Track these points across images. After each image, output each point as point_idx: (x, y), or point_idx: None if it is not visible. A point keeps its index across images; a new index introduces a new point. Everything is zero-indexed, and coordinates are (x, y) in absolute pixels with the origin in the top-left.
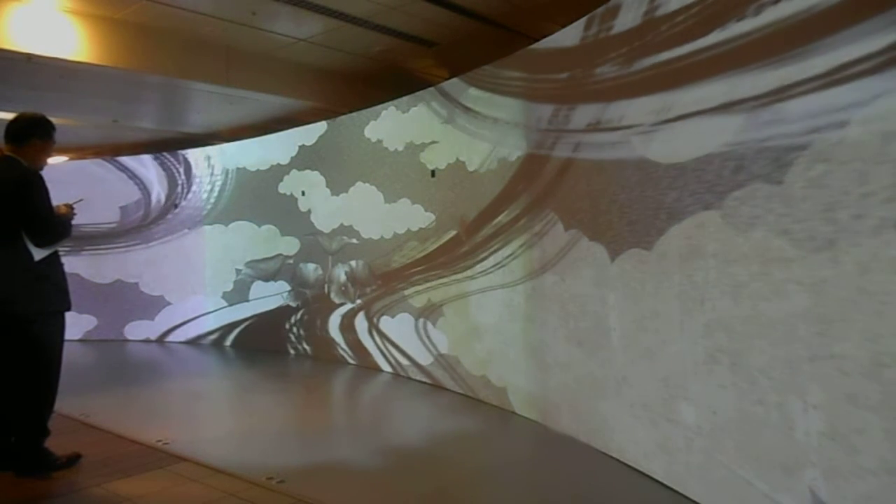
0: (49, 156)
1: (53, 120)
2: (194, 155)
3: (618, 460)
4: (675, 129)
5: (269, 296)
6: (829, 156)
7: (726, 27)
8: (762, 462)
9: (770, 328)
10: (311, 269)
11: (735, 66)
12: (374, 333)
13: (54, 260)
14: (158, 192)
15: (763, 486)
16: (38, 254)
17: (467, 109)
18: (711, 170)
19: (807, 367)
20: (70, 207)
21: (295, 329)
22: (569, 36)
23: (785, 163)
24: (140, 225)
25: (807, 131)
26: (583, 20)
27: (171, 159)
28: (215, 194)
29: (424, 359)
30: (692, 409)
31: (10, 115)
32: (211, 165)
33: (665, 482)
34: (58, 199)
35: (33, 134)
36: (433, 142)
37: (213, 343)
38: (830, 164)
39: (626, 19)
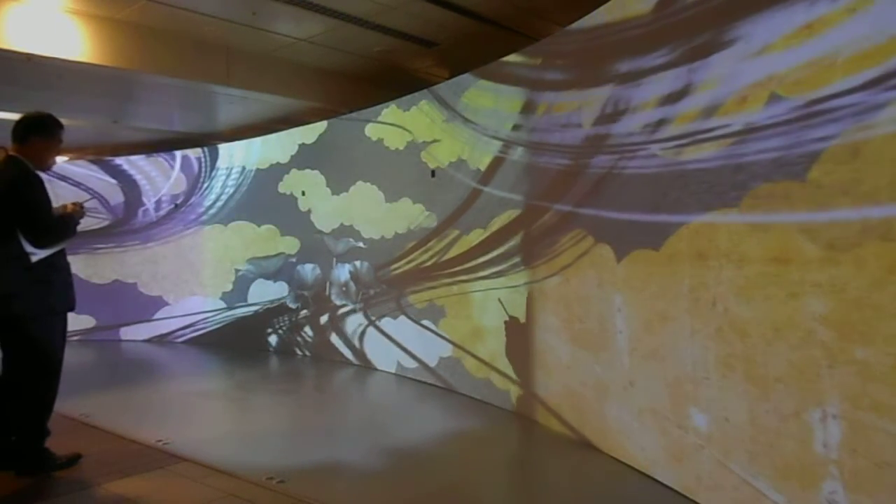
0: (54, 155)
1: None
2: (193, 155)
3: (625, 464)
4: (683, 123)
5: (268, 298)
6: (855, 153)
7: None
8: (777, 473)
9: (786, 332)
10: (308, 270)
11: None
12: (375, 334)
13: (58, 260)
14: (150, 192)
15: (778, 497)
16: (36, 254)
17: (466, 120)
18: (724, 165)
19: (826, 374)
20: (79, 206)
21: (295, 329)
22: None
23: (806, 159)
24: (139, 226)
25: (833, 128)
26: None
27: (178, 158)
28: (226, 194)
29: (426, 359)
30: (703, 416)
31: (10, 115)
32: (214, 165)
33: (674, 487)
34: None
35: (35, 133)
36: (434, 140)
37: (211, 342)
38: (856, 162)
39: None
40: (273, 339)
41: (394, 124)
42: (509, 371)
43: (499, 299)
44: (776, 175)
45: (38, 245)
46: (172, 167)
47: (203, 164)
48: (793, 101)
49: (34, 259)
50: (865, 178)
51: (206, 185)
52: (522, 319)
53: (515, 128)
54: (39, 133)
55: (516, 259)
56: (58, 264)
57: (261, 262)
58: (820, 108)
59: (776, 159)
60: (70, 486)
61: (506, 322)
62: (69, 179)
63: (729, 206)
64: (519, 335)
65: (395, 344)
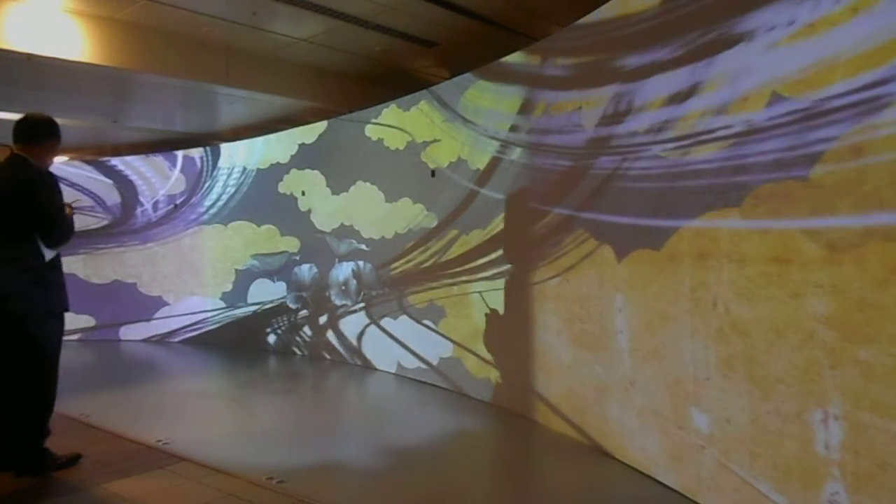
0: (55, 156)
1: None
2: (191, 155)
3: (625, 464)
4: (686, 120)
5: (268, 298)
6: (858, 154)
7: None
8: (778, 474)
9: (788, 333)
10: (306, 270)
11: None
12: (376, 334)
13: (55, 261)
14: (150, 193)
15: (779, 499)
16: (48, 254)
17: (466, 120)
18: (726, 166)
19: (827, 375)
20: (69, 207)
21: (295, 329)
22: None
23: (810, 157)
24: (139, 226)
25: (835, 128)
26: None
27: (171, 159)
28: (226, 194)
29: (426, 359)
30: (704, 417)
31: (10, 115)
32: (216, 165)
33: (675, 488)
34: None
35: (49, 133)
36: (434, 140)
37: (211, 343)
38: (858, 163)
39: None
40: (273, 339)
41: (392, 126)
42: (511, 371)
43: (479, 292)
44: (778, 175)
45: (53, 245)
46: (172, 167)
47: (205, 164)
48: (795, 101)
49: (47, 258)
50: (868, 178)
51: (207, 184)
52: (524, 319)
53: (514, 128)
54: (52, 133)
55: (517, 258)
56: (56, 264)
57: (265, 258)
58: (823, 107)
59: (778, 159)
60: (70, 486)
61: (506, 321)
62: (65, 180)
63: (730, 207)
64: (520, 335)
65: (395, 344)
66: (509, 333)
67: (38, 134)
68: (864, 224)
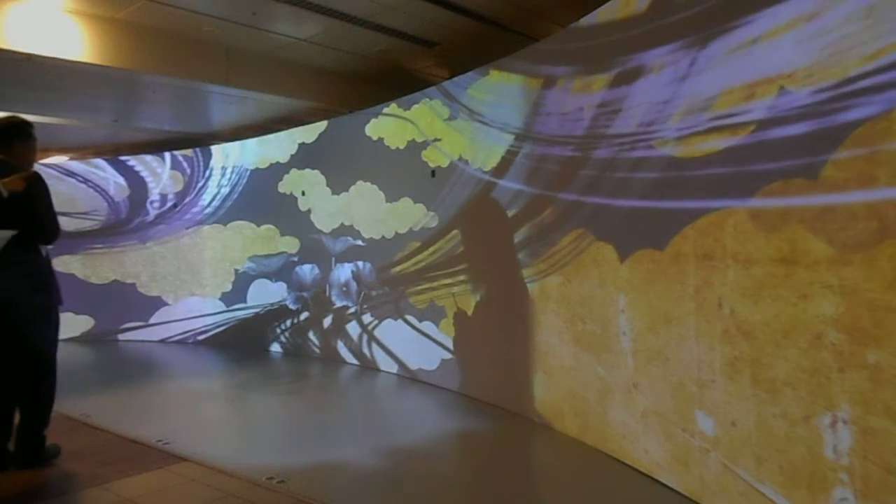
0: (36, 155)
1: (54, 120)
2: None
3: (629, 467)
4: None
5: (267, 299)
6: (870, 149)
7: None
8: (785, 479)
9: (795, 335)
10: (307, 271)
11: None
12: (376, 334)
13: (49, 265)
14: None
15: None
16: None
17: (472, 113)
18: (730, 162)
19: (836, 378)
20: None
21: (295, 330)
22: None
23: (818, 153)
24: (137, 225)
25: (846, 121)
26: None
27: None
28: (221, 194)
29: (427, 360)
30: (709, 420)
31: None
32: (208, 165)
33: (679, 491)
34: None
35: (24, 134)
36: (436, 139)
37: (211, 343)
38: (870, 159)
39: None
40: (273, 340)
41: (399, 116)
42: (512, 371)
43: (452, 294)
44: (785, 172)
45: (50, 242)
46: (164, 168)
47: (196, 165)
48: (801, 94)
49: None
50: (880, 175)
51: (201, 185)
52: (525, 320)
53: (518, 123)
54: (27, 133)
55: (517, 258)
56: (51, 269)
57: (262, 260)
58: (829, 102)
59: (785, 155)
60: (70, 485)
61: (507, 322)
62: (78, 175)
63: (735, 205)
64: (520, 335)
65: (396, 344)
66: (510, 334)
67: (9, 142)
68: (875, 222)
